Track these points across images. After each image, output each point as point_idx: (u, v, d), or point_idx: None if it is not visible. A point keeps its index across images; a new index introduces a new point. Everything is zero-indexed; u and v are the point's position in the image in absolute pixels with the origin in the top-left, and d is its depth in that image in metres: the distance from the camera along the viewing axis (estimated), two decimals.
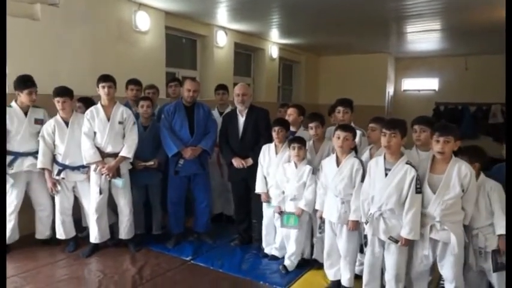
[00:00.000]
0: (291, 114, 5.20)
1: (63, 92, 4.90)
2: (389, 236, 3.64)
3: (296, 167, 4.64)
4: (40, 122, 5.05)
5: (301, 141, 4.63)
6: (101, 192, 5.00)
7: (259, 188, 5.01)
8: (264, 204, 5.06)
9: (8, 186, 4.84)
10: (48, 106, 5.02)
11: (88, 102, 5.43)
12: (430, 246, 3.59)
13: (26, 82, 4.84)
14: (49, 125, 4.95)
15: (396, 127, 3.60)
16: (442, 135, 3.47)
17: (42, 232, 5.32)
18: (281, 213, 4.73)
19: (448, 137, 3.45)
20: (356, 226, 3.99)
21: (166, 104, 5.83)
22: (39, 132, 4.98)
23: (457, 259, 3.50)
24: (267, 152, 4.99)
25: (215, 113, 6.03)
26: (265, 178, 5.00)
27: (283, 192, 4.75)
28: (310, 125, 4.73)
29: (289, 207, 4.68)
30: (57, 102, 4.88)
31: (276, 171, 4.81)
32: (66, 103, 4.91)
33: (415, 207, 3.50)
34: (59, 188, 5.02)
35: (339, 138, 4.04)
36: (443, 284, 3.78)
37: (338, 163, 4.10)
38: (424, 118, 4.17)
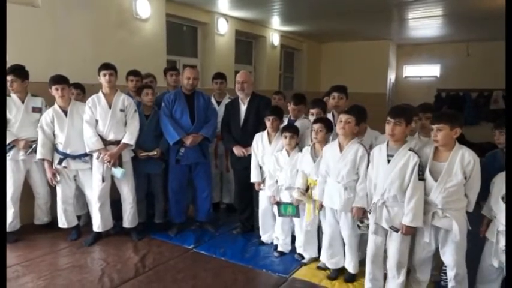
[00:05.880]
0: (299, 110, 5.02)
1: (61, 79, 4.88)
2: (390, 226, 3.64)
3: (288, 155, 4.62)
4: (38, 110, 5.09)
5: (293, 130, 4.61)
6: (103, 180, 4.99)
7: (253, 177, 5.01)
8: (260, 193, 5.07)
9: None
10: (47, 94, 4.98)
11: (83, 88, 5.57)
12: (432, 233, 3.58)
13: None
14: (47, 114, 4.94)
15: (401, 115, 3.57)
16: (434, 123, 3.49)
17: (40, 218, 5.46)
18: (277, 203, 4.72)
19: (439, 125, 3.43)
20: (360, 213, 3.96)
21: (165, 93, 5.82)
22: (37, 121, 4.99)
23: (459, 246, 3.49)
24: (260, 141, 4.96)
25: (212, 102, 5.94)
26: (260, 167, 5.00)
27: (277, 182, 4.74)
28: (312, 111, 4.69)
29: (285, 196, 4.65)
30: (56, 90, 4.85)
31: (270, 160, 4.80)
32: (65, 90, 4.90)
33: (418, 194, 3.48)
34: (58, 178, 5.01)
35: (340, 121, 3.99)
36: (445, 269, 3.78)
37: (341, 148, 4.05)
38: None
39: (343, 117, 4.00)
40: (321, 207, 4.29)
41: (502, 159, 3.90)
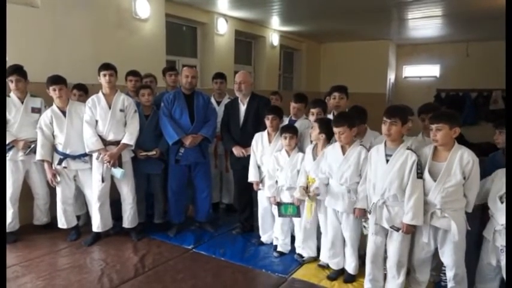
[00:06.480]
0: (299, 109, 5.04)
1: (59, 79, 4.87)
2: (391, 225, 3.64)
3: (288, 155, 4.62)
4: (37, 110, 5.08)
5: (293, 131, 4.61)
6: (103, 180, 4.99)
7: (251, 177, 5.00)
8: (260, 193, 5.07)
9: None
10: (47, 94, 4.96)
11: (85, 88, 5.56)
12: (431, 233, 3.58)
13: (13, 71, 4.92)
14: (46, 115, 4.93)
15: (396, 115, 3.58)
16: (433, 123, 3.49)
17: (39, 218, 5.45)
18: (278, 204, 4.72)
19: (438, 125, 3.44)
20: (362, 214, 3.97)
21: (164, 93, 5.82)
22: (37, 121, 4.97)
23: (458, 246, 3.50)
24: (260, 141, 4.95)
25: (212, 102, 5.92)
26: (259, 167, 4.99)
27: (276, 182, 4.74)
28: (312, 110, 4.69)
29: (286, 197, 4.65)
30: (54, 91, 4.84)
31: (269, 160, 4.80)
32: (63, 90, 4.88)
33: (417, 192, 3.49)
34: (58, 179, 5.00)
35: (336, 134, 4.03)
36: (445, 270, 3.78)
37: (343, 151, 4.06)
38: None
39: (335, 129, 4.02)
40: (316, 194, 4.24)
41: (501, 159, 3.90)
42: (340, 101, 4.79)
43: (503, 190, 3.44)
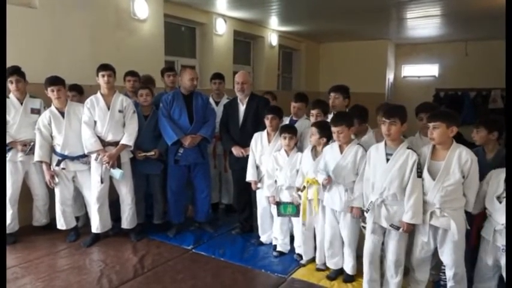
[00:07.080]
0: (300, 108, 5.04)
1: (57, 80, 4.86)
2: (390, 224, 3.64)
3: (288, 155, 4.62)
4: (37, 111, 5.07)
5: (292, 131, 4.62)
6: (102, 181, 4.98)
7: (249, 176, 5.01)
8: (258, 193, 5.07)
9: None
10: (46, 95, 4.95)
11: (79, 89, 5.54)
12: (431, 232, 3.58)
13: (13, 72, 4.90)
14: (44, 116, 4.92)
15: (395, 115, 3.59)
16: (430, 121, 3.51)
17: (38, 219, 5.43)
18: (277, 203, 4.71)
19: (435, 123, 3.46)
20: (359, 212, 3.98)
21: (162, 93, 5.81)
22: (36, 122, 4.96)
23: (457, 246, 3.49)
24: (259, 140, 4.96)
25: (211, 102, 5.87)
26: (257, 167, 4.99)
27: (276, 182, 4.73)
28: (312, 112, 4.69)
29: (285, 196, 4.65)
30: (52, 92, 4.83)
31: (268, 160, 4.80)
32: (61, 91, 4.88)
33: (417, 191, 3.50)
34: (57, 180, 4.99)
35: (334, 133, 4.03)
36: (444, 269, 3.77)
37: (341, 150, 4.06)
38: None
39: (333, 129, 4.03)
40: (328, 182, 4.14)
41: (481, 157, 3.91)
42: (335, 101, 4.80)
43: (500, 191, 3.44)
